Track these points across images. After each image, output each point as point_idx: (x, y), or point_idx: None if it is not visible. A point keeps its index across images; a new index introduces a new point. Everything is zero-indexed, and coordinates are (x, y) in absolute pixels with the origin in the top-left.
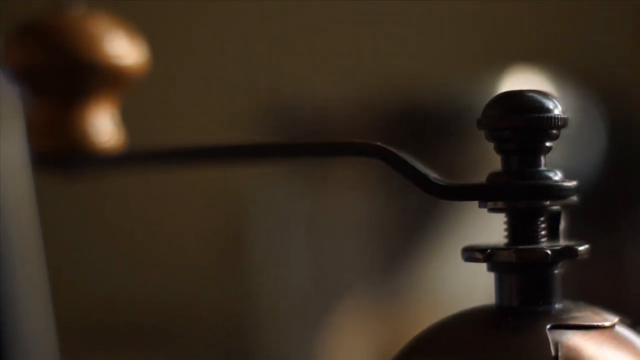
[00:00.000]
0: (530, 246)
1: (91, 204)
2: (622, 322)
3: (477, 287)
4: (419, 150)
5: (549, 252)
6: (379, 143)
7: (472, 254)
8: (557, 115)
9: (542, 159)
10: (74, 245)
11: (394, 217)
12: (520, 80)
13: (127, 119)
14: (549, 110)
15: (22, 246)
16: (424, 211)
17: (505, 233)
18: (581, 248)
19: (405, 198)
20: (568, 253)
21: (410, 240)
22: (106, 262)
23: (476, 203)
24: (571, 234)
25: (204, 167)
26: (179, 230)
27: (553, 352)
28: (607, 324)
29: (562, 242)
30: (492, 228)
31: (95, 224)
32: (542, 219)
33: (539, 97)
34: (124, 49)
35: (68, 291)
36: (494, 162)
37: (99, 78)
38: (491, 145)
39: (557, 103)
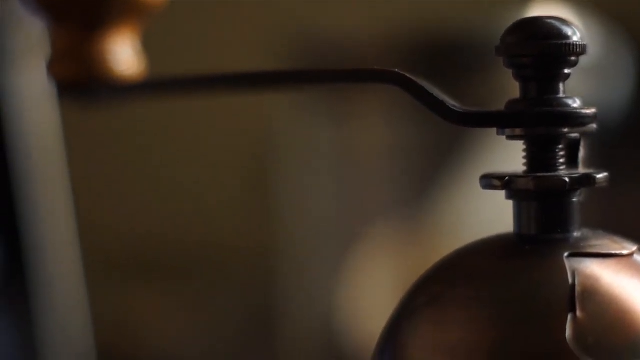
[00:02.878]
0: (549, 174)
1: (117, 140)
2: None
3: (501, 216)
4: (444, 83)
5: (566, 179)
6: (397, 70)
7: (490, 181)
8: (576, 42)
9: (561, 86)
10: (99, 180)
11: (419, 147)
12: (544, 13)
13: (153, 48)
14: (567, 37)
15: (49, 179)
16: (448, 142)
17: (524, 161)
18: (600, 176)
19: (430, 129)
20: (586, 181)
21: (434, 171)
22: (131, 197)
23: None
24: (598, 164)
25: (224, 94)
26: (205, 163)
27: (570, 280)
28: (625, 252)
29: (581, 170)
30: (518, 160)
31: (120, 160)
32: (560, 146)
33: (558, 24)
34: None
35: (94, 226)
36: (516, 95)
37: (119, 5)
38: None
39: (575, 30)
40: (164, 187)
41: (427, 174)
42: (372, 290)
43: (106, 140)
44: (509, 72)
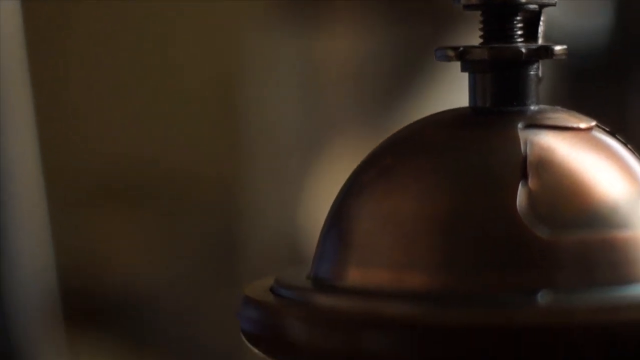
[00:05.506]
0: (505, 44)
1: (83, 61)
2: (600, 127)
3: None
4: None
5: (523, 50)
6: None
7: (444, 52)
8: None
9: None
10: (62, 104)
11: (386, 60)
12: None
13: None
14: None
15: (12, 102)
16: (416, 55)
17: (481, 34)
18: (558, 47)
19: (398, 41)
20: (544, 52)
21: (402, 82)
22: (95, 120)
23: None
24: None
25: None
26: (170, 86)
27: (523, 150)
28: (582, 125)
29: (539, 43)
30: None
31: (84, 81)
32: (518, 18)
33: None
34: None
35: (57, 150)
36: None
37: None
38: None
39: None
40: (127, 111)
41: (395, 86)
42: None
43: (71, 61)
44: None
